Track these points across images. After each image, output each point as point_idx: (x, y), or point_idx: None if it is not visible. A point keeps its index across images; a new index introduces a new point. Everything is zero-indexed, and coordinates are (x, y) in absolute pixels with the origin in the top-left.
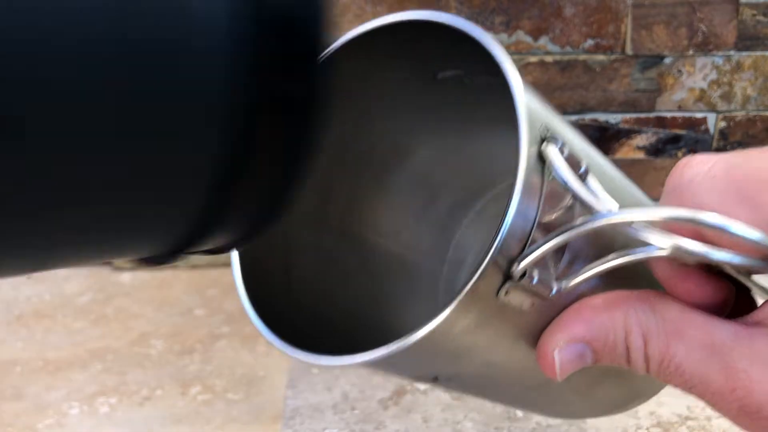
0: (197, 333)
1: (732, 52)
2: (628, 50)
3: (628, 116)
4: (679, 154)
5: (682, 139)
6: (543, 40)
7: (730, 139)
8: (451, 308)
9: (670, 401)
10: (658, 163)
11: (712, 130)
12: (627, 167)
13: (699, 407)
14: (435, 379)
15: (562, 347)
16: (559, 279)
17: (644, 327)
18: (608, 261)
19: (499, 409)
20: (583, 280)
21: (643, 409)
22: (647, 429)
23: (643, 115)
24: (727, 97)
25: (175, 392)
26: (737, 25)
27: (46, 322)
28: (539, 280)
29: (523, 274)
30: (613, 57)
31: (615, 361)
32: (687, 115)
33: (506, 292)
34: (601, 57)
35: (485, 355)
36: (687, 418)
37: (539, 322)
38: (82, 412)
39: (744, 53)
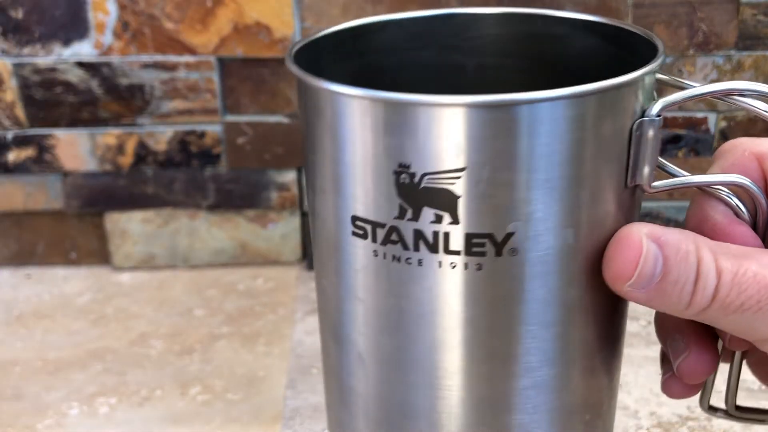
0: (197, 333)
1: (732, 52)
2: None
3: None
4: (680, 154)
5: (682, 138)
6: None
7: (731, 139)
8: (621, 80)
9: (670, 401)
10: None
11: (712, 129)
12: None
13: (699, 408)
14: (509, 235)
15: (647, 234)
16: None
17: (713, 249)
18: (697, 176)
19: None
20: (672, 186)
21: (644, 409)
22: (647, 429)
23: None
24: None
25: (174, 392)
26: (738, 24)
27: (46, 322)
28: (656, 134)
29: (657, 116)
30: None
31: (683, 274)
32: (687, 114)
33: (639, 126)
34: None
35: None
36: (687, 419)
37: (629, 211)
38: (82, 412)
39: (744, 53)
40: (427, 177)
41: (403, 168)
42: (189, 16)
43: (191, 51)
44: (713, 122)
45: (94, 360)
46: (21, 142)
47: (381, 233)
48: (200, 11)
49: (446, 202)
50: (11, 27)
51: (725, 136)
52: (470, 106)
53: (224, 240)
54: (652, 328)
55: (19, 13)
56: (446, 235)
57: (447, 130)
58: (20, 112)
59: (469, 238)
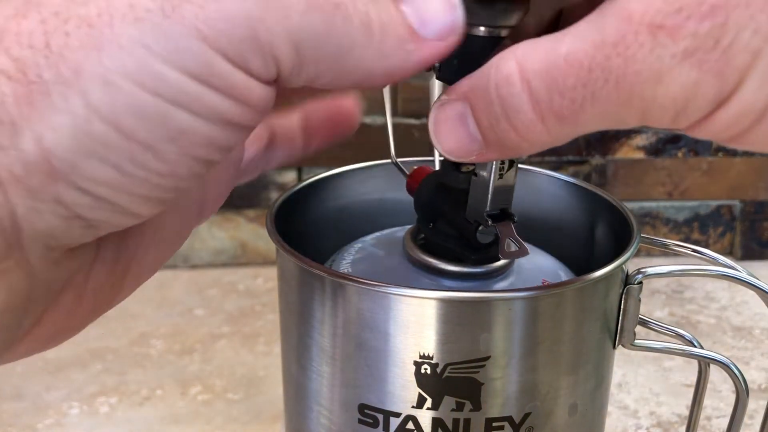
0: (197, 333)
1: None
2: None
3: None
4: (679, 154)
5: (682, 138)
6: None
7: None
8: (608, 269)
9: (670, 401)
10: (658, 163)
11: None
12: (627, 167)
13: None
14: (526, 416)
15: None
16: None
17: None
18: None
19: None
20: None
21: (643, 409)
22: (647, 429)
23: None
24: None
25: (175, 392)
26: None
27: None
28: (638, 297)
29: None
30: None
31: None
32: None
33: (627, 293)
34: None
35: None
36: (687, 418)
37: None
38: (82, 412)
39: None
40: (450, 367)
41: (424, 359)
42: None
43: None
44: None
45: (94, 359)
46: None
47: (395, 422)
48: None
49: (470, 390)
50: None
51: None
52: (498, 300)
53: (224, 240)
54: None
55: None
56: (467, 421)
57: (472, 322)
58: None
59: (489, 422)
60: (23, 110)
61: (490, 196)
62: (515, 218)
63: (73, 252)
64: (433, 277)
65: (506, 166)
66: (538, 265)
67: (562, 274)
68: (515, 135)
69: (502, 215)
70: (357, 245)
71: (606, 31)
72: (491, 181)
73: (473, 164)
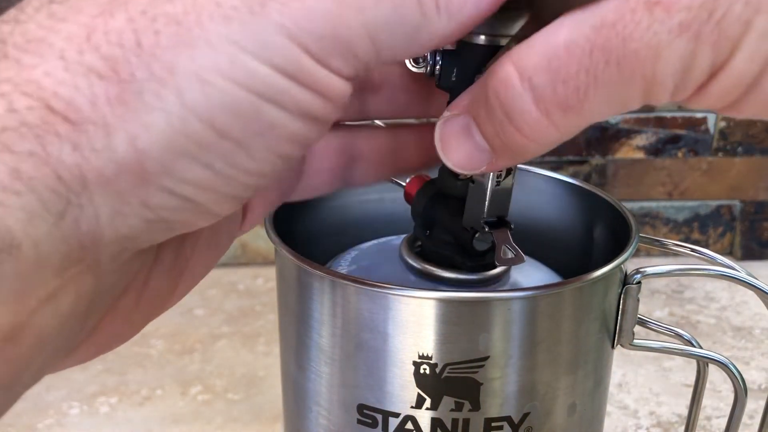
0: (197, 333)
1: None
2: None
3: (628, 116)
4: (679, 154)
5: (682, 138)
6: None
7: (730, 139)
8: (608, 268)
9: (670, 401)
10: (658, 163)
11: (712, 129)
12: (627, 167)
13: None
14: (525, 416)
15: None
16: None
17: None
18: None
19: None
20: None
21: (643, 408)
22: (647, 429)
23: (643, 115)
24: None
25: (175, 392)
26: None
27: None
28: (637, 297)
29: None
30: None
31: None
32: (687, 114)
33: (626, 292)
34: None
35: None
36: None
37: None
38: (82, 411)
39: None
40: (449, 367)
41: (423, 359)
42: None
43: None
44: (712, 122)
45: (94, 360)
46: None
47: (394, 422)
48: None
49: (468, 390)
50: None
51: (725, 135)
52: (497, 300)
53: None
54: None
55: None
56: (466, 421)
57: (471, 322)
58: None
59: (488, 422)
60: (116, 110)
61: (487, 203)
62: (512, 226)
63: (138, 254)
64: (430, 284)
65: (503, 173)
66: (535, 277)
67: None
68: (521, 137)
69: (499, 222)
70: (353, 252)
71: (604, 13)
72: (489, 188)
73: None
